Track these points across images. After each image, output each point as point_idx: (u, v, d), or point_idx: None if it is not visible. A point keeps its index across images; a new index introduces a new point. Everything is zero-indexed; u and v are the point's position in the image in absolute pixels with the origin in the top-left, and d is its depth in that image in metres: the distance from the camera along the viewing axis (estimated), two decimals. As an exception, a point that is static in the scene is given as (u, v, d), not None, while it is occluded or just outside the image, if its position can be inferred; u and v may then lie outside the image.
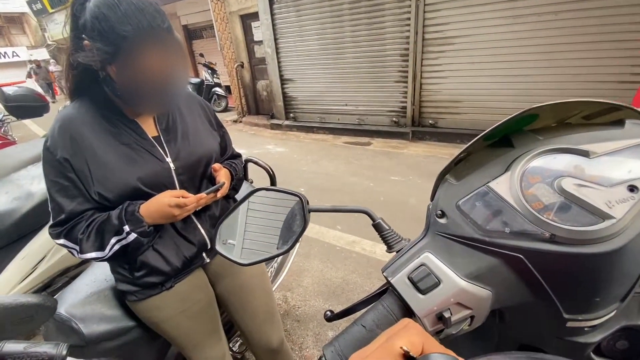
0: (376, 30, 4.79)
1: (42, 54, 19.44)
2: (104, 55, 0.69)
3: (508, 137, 0.46)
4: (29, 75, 12.15)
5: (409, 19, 4.41)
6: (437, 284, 0.42)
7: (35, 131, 7.77)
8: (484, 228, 0.41)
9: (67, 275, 1.62)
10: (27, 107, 2.96)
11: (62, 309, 0.84)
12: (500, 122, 0.43)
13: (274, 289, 1.37)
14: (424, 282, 0.42)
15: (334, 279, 2.18)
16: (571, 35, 3.57)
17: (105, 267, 0.98)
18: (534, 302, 0.42)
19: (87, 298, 0.90)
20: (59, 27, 13.01)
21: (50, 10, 12.70)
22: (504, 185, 0.41)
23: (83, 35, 0.71)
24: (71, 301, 0.87)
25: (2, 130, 3.85)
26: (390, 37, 4.71)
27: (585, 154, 0.39)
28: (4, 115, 3.95)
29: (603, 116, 0.45)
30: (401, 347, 0.26)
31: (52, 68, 12.98)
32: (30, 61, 12.90)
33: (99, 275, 1.00)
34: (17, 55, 19.98)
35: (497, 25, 3.90)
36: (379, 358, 0.26)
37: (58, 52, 16.00)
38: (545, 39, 3.70)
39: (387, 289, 0.48)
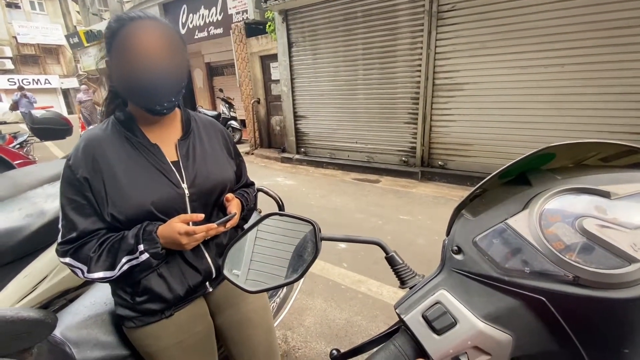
0: (388, 75, 5.01)
1: (73, 83, 20.80)
2: (108, 50, 0.77)
3: (525, 175, 0.46)
4: (14, 107, 8.36)
5: (419, 65, 4.63)
6: (454, 324, 0.39)
7: (55, 153, 8.06)
8: (502, 266, 0.40)
9: (65, 298, 1.59)
10: (51, 129, 3.11)
11: (58, 331, 0.81)
12: (517, 160, 0.44)
13: (275, 325, 1.31)
14: (440, 322, 0.40)
15: (337, 320, 2.08)
16: (579, 87, 3.67)
17: (106, 290, 0.96)
18: (558, 351, 0.39)
19: (85, 321, 0.88)
20: (91, 59, 14.02)
21: (86, 44, 13.75)
22: (522, 223, 0.40)
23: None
24: (68, 323, 0.85)
25: (25, 150, 4.01)
26: (401, 81, 4.91)
27: (606, 194, 0.39)
28: (28, 136, 4.15)
29: (620, 159, 0.45)
30: None
31: (81, 96, 9.94)
32: (20, 87, 10.13)
33: (98, 298, 0.98)
34: (49, 83, 21.43)
35: (505, 75, 4.05)
36: None
37: (88, 81, 17.09)
38: (554, 89, 3.81)
39: (400, 327, 0.45)
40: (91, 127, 0.89)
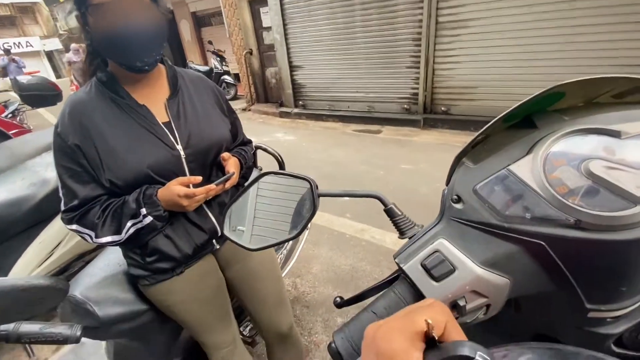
0: (388, 14, 4.64)
1: (55, 44, 19.71)
2: (77, 3, 0.71)
3: (530, 118, 0.43)
4: (3, 73, 8.09)
5: (421, 1, 4.26)
6: (452, 271, 0.40)
7: (49, 120, 7.93)
8: (503, 213, 0.39)
9: (83, 260, 1.67)
10: (41, 95, 3.02)
11: (77, 292, 0.86)
12: (523, 102, 0.41)
13: (283, 275, 1.38)
14: (438, 269, 0.40)
15: (343, 267, 2.18)
16: (592, 17, 3.39)
17: (118, 251, 0.99)
18: (554, 291, 0.40)
19: (101, 282, 0.92)
20: (70, 16, 13.11)
21: (61, 0, 12.75)
22: (525, 169, 0.39)
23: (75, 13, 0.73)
24: (86, 284, 0.89)
25: (18, 119, 3.94)
26: (402, 20, 4.57)
27: (616, 134, 0.36)
28: (19, 104, 4.04)
29: (635, 95, 0.42)
30: (425, 320, 0.24)
31: (71, 56, 8.55)
32: (6, 51, 9.09)
33: (112, 259, 1.02)
34: (31, 45, 20.32)
35: (515, 7, 3.73)
36: (399, 330, 0.25)
37: (69, 41, 16.14)
38: (565, 21, 3.52)
39: (399, 275, 0.47)
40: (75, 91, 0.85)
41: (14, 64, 9.20)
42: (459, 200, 0.43)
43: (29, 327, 0.52)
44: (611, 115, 0.39)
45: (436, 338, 0.24)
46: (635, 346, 0.46)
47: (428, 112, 4.82)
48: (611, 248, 0.35)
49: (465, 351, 0.22)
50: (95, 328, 0.84)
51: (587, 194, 0.35)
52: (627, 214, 0.33)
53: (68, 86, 8.16)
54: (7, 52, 9.39)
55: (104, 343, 1.15)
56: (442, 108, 4.68)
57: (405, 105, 5.01)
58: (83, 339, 0.73)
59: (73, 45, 9.32)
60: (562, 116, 0.41)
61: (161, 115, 0.85)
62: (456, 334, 0.26)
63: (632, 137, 0.36)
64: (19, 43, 19.85)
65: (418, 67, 4.64)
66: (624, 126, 0.37)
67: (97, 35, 0.73)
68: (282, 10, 5.61)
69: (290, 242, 1.65)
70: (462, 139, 4.16)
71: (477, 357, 0.22)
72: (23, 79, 3.19)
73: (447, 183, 0.47)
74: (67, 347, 1.31)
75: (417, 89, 4.78)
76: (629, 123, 0.37)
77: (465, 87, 4.40)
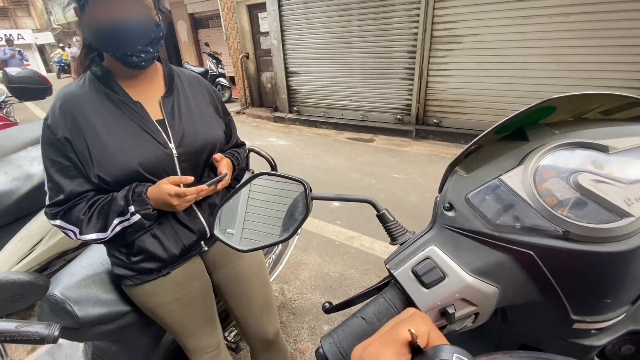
0: (384, 26, 4.73)
1: (48, 38, 19.38)
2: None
3: (522, 130, 0.44)
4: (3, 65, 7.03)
5: (417, 15, 4.36)
6: (442, 278, 0.40)
7: (37, 114, 7.75)
8: (493, 222, 0.40)
9: (64, 259, 1.62)
10: (30, 89, 2.95)
11: (57, 291, 0.83)
12: (515, 114, 0.42)
13: (271, 280, 1.36)
14: (429, 276, 0.40)
15: (331, 274, 2.17)
16: (581, 39, 3.52)
17: (101, 250, 0.96)
18: (541, 301, 0.40)
19: (83, 281, 0.89)
20: (68, 9, 12.89)
21: (57, -7, 12.59)
22: (516, 179, 0.40)
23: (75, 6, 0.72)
24: (66, 283, 0.86)
25: (5, 111, 3.83)
26: (398, 33, 4.65)
27: (604, 149, 0.38)
28: (6, 97, 3.94)
29: (622, 112, 0.43)
30: (409, 330, 0.25)
31: (75, 51, 7.97)
32: (9, 41, 8.15)
33: (95, 258, 0.99)
34: (23, 38, 19.91)
35: (507, 25, 3.85)
36: (385, 344, 0.25)
37: (63, 36, 15.89)
38: (555, 41, 3.65)
39: (389, 281, 0.46)
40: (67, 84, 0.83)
41: (19, 57, 8.44)
42: (451, 208, 0.44)
43: (4, 324, 0.49)
44: (599, 131, 0.40)
45: (422, 347, 0.25)
46: (618, 359, 0.47)
47: (420, 124, 4.88)
48: (597, 260, 0.35)
49: (444, 355, 0.24)
50: (74, 329, 0.81)
51: (575, 205, 0.36)
52: (613, 227, 0.34)
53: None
54: (9, 42, 8.72)
55: (81, 345, 1.11)
56: (434, 120, 4.76)
57: (398, 116, 5.07)
58: (60, 340, 0.70)
59: (75, 39, 8.89)
60: (553, 130, 0.42)
61: (155, 112, 0.84)
62: (440, 341, 0.26)
63: (619, 153, 0.37)
64: (11, 35, 19.44)
65: (412, 79, 4.72)
66: (611, 141, 0.38)
67: (95, 27, 0.72)
68: (281, 16, 5.66)
69: (279, 246, 1.63)
70: (452, 151, 4.23)
71: (453, 359, 0.23)
72: (12, 71, 3.11)
73: (440, 191, 0.47)
74: (43, 348, 1.26)
75: (411, 100, 4.85)
76: (616, 139, 0.38)
77: (456, 101, 4.49)
